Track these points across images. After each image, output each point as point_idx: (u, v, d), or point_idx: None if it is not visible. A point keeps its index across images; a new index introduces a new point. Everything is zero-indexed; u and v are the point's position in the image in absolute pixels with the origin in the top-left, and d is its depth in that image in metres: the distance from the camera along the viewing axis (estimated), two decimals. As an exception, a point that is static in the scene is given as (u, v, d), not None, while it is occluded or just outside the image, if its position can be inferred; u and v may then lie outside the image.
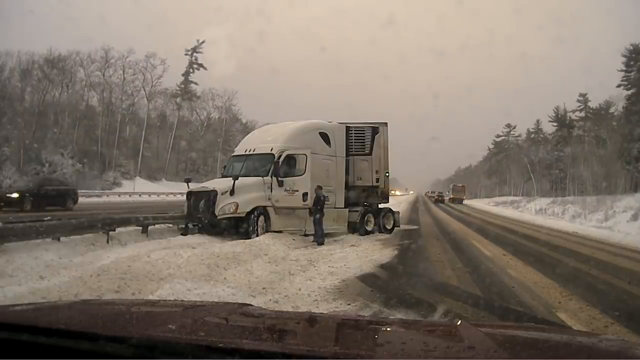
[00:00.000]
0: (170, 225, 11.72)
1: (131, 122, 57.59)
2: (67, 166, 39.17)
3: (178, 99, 60.39)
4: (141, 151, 53.63)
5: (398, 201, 33.74)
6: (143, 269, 6.52)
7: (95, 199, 31.83)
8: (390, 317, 4.75)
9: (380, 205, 15.25)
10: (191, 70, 59.95)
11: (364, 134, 14.70)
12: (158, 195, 37.26)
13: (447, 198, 64.71)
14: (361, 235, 13.34)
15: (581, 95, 58.21)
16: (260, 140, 13.25)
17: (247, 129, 50.51)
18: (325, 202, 11.84)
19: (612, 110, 54.42)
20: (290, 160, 12.13)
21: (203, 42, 60.04)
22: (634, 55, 46.79)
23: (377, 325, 1.92)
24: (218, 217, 11.06)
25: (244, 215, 11.18)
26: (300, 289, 6.19)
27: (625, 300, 6.73)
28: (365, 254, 9.77)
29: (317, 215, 11.48)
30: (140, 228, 10.61)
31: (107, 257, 7.57)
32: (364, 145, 14.62)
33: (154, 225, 11.11)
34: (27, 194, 19.11)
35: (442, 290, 6.77)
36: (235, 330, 1.59)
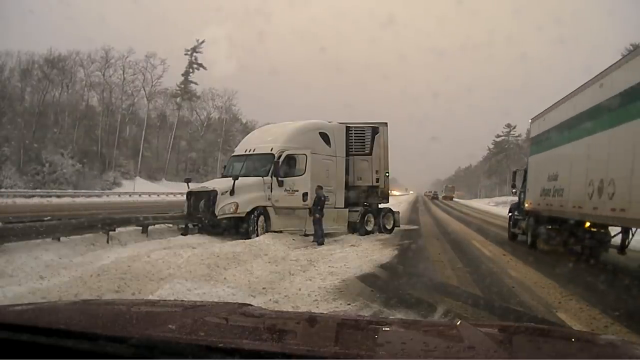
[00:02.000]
0: (170, 225, 11.71)
1: (131, 122, 57.58)
2: (67, 166, 39.15)
3: (178, 99, 60.36)
4: (141, 151, 53.61)
5: (398, 201, 33.73)
6: (143, 269, 6.52)
7: (95, 199, 31.85)
8: (390, 317, 4.75)
9: (380, 205, 15.24)
10: (191, 70, 59.95)
11: (364, 134, 14.70)
12: (158, 195, 37.26)
13: (441, 196, 79.03)
14: (361, 235, 13.34)
15: (581, 95, 58.13)
16: (260, 140, 13.25)
17: (247, 129, 50.50)
18: (325, 202, 11.85)
19: (612, 110, 54.31)
20: (290, 160, 12.13)
21: (203, 42, 60.09)
22: (634, 55, 46.73)
23: (377, 325, 1.92)
24: (218, 217, 11.06)
25: (244, 215, 11.18)
26: (300, 289, 6.19)
27: (625, 300, 6.72)
28: (365, 254, 9.77)
29: (317, 215, 11.48)
30: (140, 228, 10.60)
31: (107, 257, 7.57)
32: (364, 145, 14.62)
33: (154, 225, 11.10)
34: None
35: (442, 290, 6.77)
36: (235, 330, 1.59)
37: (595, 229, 8.83)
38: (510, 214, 14.39)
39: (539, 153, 12.32)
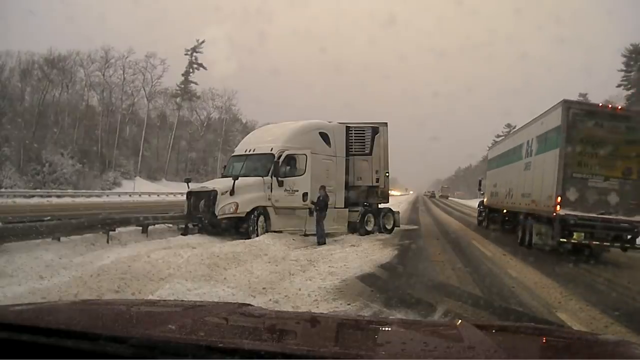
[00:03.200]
0: (170, 225, 11.70)
1: (131, 122, 57.55)
2: (67, 166, 39.11)
3: (178, 99, 60.32)
4: (141, 151, 53.60)
5: (398, 201, 33.73)
6: (143, 269, 6.51)
7: (95, 199, 31.84)
8: (390, 317, 4.75)
9: (380, 205, 15.25)
10: (191, 70, 59.88)
11: (364, 134, 14.69)
12: (158, 195, 37.22)
13: (438, 195, 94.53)
14: (361, 235, 13.34)
15: (581, 95, 57.81)
16: (260, 140, 13.24)
17: (247, 129, 50.45)
18: (327, 203, 11.84)
19: (612, 110, 54.24)
20: (290, 160, 12.13)
21: (203, 42, 59.99)
22: (634, 55, 46.76)
23: (377, 325, 1.92)
24: (218, 217, 11.05)
25: (244, 215, 11.18)
26: (300, 289, 6.19)
27: (625, 301, 6.73)
28: (365, 254, 9.77)
29: (318, 215, 11.48)
30: (140, 228, 10.60)
31: (107, 257, 7.56)
32: (364, 145, 14.62)
33: (154, 225, 11.09)
34: None
35: (442, 290, 6.77)
36: (235, 330, 1.59)
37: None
38: (478, 208, 21.89)
39: (490, 170, 20.18)
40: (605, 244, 10.29)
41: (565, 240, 10.23)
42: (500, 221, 16.85)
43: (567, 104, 10.47)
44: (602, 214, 9.96)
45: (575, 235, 10.12)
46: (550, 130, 11.16)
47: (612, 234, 10.14)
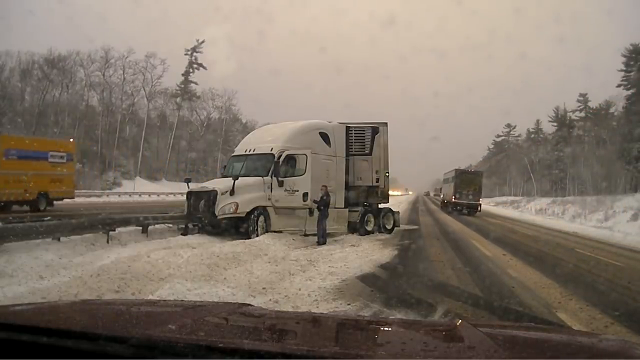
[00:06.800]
0: (170, 225, 11.69)
1: (131, 122, 57.46)
2: (67, 166, 39.08)
3: (178, 99, 60.25)
4: (141, 151, 53.55)
5: (398, 201, 33.80)
6: (143, 269, 6.51)
7: (95, 199, 31.83)
8: (390, 317, 4.75)
9: (380, 205, 15.25)
10: (191, 70, 59.82)
11: (364, 134, 14.69)
12: (158, 195, 37.19)
13: (433, 194, 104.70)
14: (361, 235, 13.33)
15: (581, 95, 58.15)
16: (260, 140, 13.23)
17: (247, 129, 50.48)
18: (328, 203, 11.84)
19: (612, 110, 54.14)
20: (291, 160, 12.12)
21: (203, 42, 59.89)
22: (634, 55, 46.70)
23: (377, 325, 1.92)
24: (218, 217, 11.04)
25: (244, 215, 11.17)
26: (300, 289, 6.19)
27: (625, 301, 6.75)
28: (365, 254, 9.77)
29: (320, 215, 11.48)
30: (140, 228, 10.59)
31: (107, 257, 7.56)
32: (364, 145, 14.61)
33: (154, 225, 11.09)
34: None
35: (442, 290, 6.77)
36: (235, 330, 1.59)
37: (465, 203, 33.07)
38: (441, 200, 44.33)
39: (443, 184, 44.79)
40: (468, 209, 31.56)
41: (455, 209, 32.38)
42: (446, 205, 35.71)
43: (457, 171, 34.42)
44: (466, 200, 32.30)
45: (458, 207, 32.42)
46: (452, 176, 34.68)
47: (470, 206, 32.01)
